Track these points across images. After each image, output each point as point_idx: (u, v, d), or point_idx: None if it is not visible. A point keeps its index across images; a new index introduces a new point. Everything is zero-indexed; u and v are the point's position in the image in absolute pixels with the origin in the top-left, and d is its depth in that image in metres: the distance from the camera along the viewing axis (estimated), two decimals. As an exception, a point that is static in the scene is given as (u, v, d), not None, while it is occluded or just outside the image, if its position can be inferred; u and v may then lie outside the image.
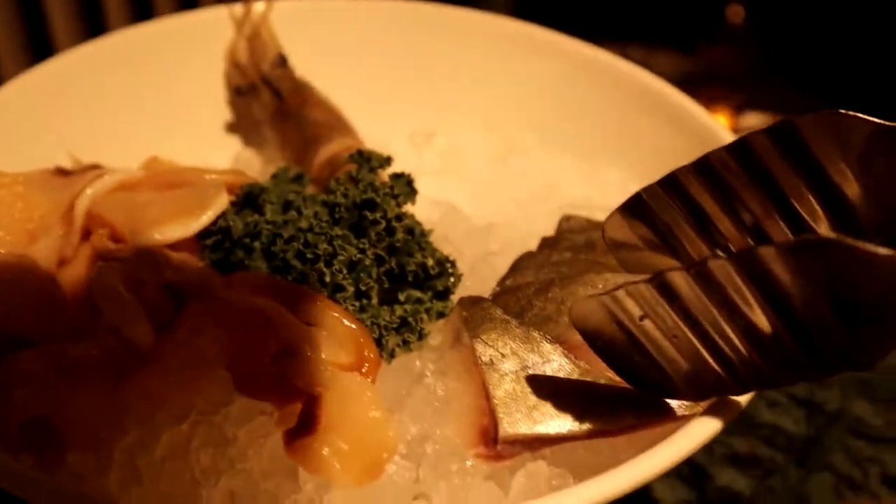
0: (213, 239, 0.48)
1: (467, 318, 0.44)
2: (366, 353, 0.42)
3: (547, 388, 0.40)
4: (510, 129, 0.69)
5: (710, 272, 0.32)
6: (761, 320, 0.32)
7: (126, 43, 0.64)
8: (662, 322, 0.34)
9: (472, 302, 0.45)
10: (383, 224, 0.47)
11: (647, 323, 0.35)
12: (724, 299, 0.32)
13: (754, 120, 0.99)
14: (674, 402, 0.39)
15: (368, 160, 0.51)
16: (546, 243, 0.53)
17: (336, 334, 0.41)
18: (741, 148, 0.37)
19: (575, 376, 0.41)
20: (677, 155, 0.61)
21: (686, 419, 0.38)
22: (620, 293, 0.35)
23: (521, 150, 0.68)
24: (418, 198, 0.51)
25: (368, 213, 0.47)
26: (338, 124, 0.62)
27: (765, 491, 0.55)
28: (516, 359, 0.42)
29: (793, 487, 0.55)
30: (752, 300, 0.32)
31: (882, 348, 0.31)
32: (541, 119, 0.69)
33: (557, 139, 0.68)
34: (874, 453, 0.59)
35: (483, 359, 0.42)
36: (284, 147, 0.62)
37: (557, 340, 0.42)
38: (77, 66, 0.62)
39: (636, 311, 0.35)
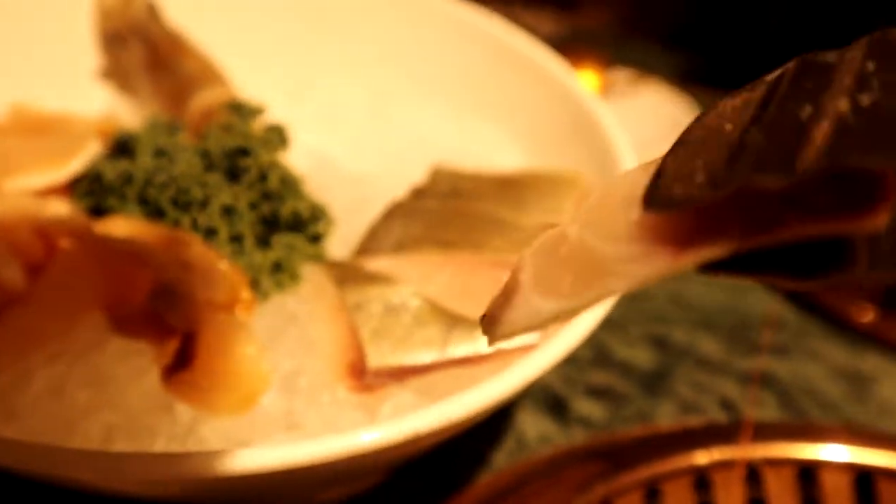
0: (85, 185, 0.48)
1: (333, 272, 0.47)
2: (239, 294, 0.43)
3: (412, 324, 0.43)
4: (386, 83, 0.71)
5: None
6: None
7: (-15, -14, 0.62)
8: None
9: (337, 263, 0.48)
10: (256, 171, 0.49)
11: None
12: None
13: (622, 74, 1.05)
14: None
15: (241, 109, 0.52)
16: (415, 192, 0.55)
17: (210, 275, 0.43)
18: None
19: (437, 314, 0.44)
20: (540, 107, 0.65)
21: (537, 347, 0.41)
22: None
23: (396, 103, 0.70)
24: (293, 148, 0.53)
25: (241, 161, 0.48)
26: (211, 74, 0.62)
27: (617, 418, 0.61)
28: (381, 301, 0.44)
29: (639, 412, 0.61)
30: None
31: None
32: (416, 74, 0.72)
33: (432, 94, 0.71)
34: (713, 381, 0.65)
35: (349, 303, 0.44)
36: (157, 97, 0.62)
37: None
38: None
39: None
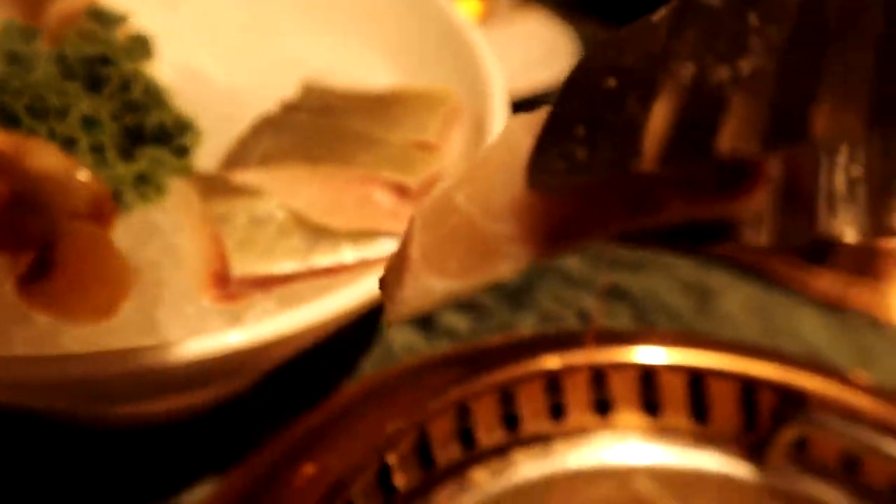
0: (-68, 91, 0.46)
1: (199, 185, 0.47)
2: (100, 204, 0.43)
3: (276, 235, 0.44)
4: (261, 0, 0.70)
5: None
6: None
7: None
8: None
9: (203, 175, 0.48)
10: (118, 81, 0.48)
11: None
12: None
13: (503, 0, 1.06)
14: (389, 243, 0.45)
15: (103, 16, 0.51)
16: (285, 108, 0.56)
17: (70, 185, 0.42)
18: None
19: (302, 226, 0.45)
20: (413, 28, 0.66)
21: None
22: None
23: (269, 19, 0.69)
24: (162, 61, 0.52)
25: (102, 69, 0.47)
26: (72, -20, 0.60)
27: (481, 329, 0.64)
28: (246, 213, 0.45)
29: (502, 324, 0.64)
30: None
31: None
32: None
33: (306, 11, 0.70)
34: (574, 295, 0.69)
35: (214, 214, 0.45)
36: (13, 2, 0.59)
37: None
38: None
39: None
